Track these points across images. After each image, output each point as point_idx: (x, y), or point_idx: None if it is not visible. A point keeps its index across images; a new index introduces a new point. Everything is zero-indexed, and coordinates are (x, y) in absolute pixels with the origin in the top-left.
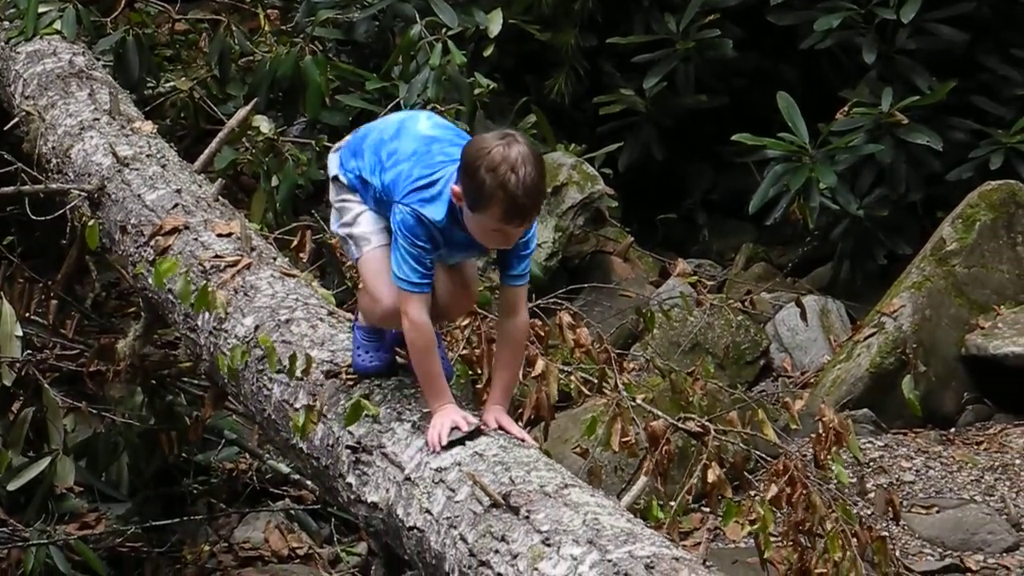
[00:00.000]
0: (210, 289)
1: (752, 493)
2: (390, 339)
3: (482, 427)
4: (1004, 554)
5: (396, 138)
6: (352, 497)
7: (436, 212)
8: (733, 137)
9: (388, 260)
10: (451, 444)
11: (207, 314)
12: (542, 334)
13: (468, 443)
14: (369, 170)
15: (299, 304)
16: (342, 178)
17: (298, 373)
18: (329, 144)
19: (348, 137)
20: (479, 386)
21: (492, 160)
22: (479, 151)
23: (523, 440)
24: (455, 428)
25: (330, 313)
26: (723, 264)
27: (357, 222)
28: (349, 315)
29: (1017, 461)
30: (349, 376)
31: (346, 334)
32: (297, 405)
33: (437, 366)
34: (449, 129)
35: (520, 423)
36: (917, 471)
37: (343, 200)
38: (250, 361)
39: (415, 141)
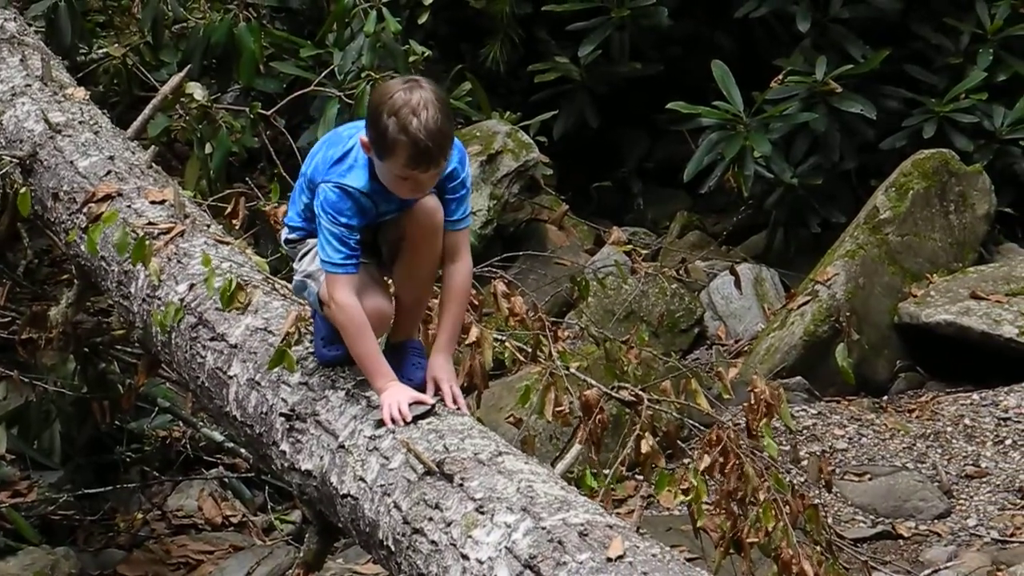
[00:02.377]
0: (144, 242)
1: (685, 462)
2: None
3: (436, 403)
4: (935, 520)
5: (310, 158)
6: (286, 465)
7: (357, 179)
8: (668, 105)
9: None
10: (416, 418)
11: (140, 281)
12: (476, 302)
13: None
14: (299, 195)
15: (233, 271)
16: (291, 236)
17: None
18: (263, 110)
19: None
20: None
21: (393, 104)
22: (382, 96)
23: (459, 408)
24: (417, 403)
25: (265, 279)
26: (658, 232)
27: (303, 260)
28: (283, 282)
29: (948, 429)
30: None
31: (280, 301)
32: (231, 372)
33: (373, 346)
34: (355, 123)
35: None
36: (850, 439)
37: (296, 251)
38: (184, 328)
39: (321, 141)
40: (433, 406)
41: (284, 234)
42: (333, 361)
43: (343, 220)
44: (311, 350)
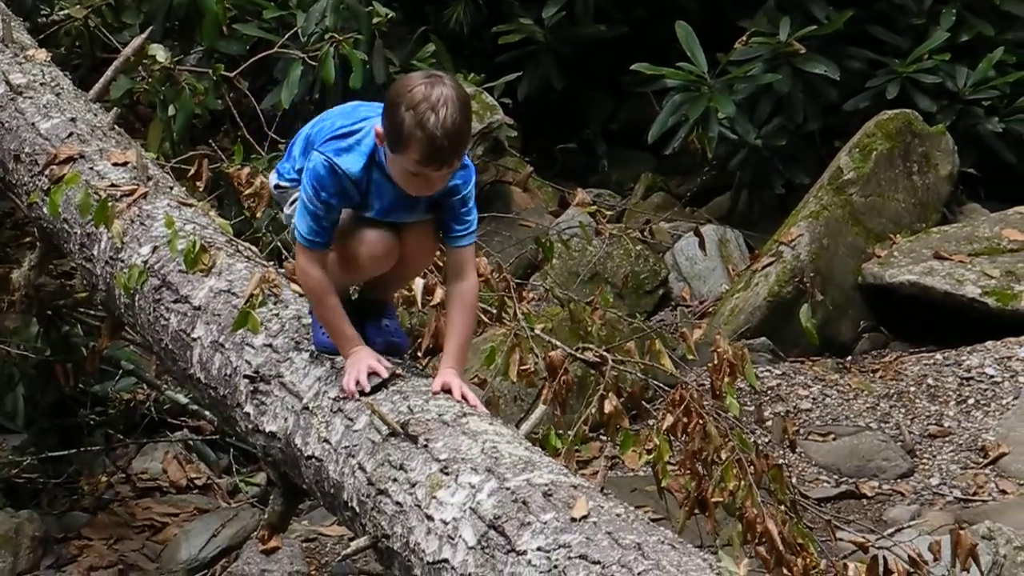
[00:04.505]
0: (107, 204)
1: (650, 423)
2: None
3: (397, 371)
4: (898, 480)
5: (320, 119)
6: (250, 427)
7: (352, 163)
8: (632, 67)
9: (347, 221)
10: (374, 389)
11: (103, 243)
12: (441, 264)
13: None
14: (300, 155)
15: (196, 233)
16: (282, 183)
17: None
18: (226, 72)
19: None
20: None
21: (413, 98)
22: (402, 88)
23: (475, 407)
24: (373, 373)
25: (228, 241)
26: (622, 194)
27: (294, 207)
28: (247, 244)
29: (912, 388)
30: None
31: (243, 263)
32: (194, 335)
33: (337, 313)
34: (376, 104)
35: (419, 352)
36: (814, 399)
37: (285, 196)
38: (147, 291)
39: (343, 107)
40: (389, 378)
41: (273, 179)
42: (333, 349)
43: (323, 196)
44: (275, 312)
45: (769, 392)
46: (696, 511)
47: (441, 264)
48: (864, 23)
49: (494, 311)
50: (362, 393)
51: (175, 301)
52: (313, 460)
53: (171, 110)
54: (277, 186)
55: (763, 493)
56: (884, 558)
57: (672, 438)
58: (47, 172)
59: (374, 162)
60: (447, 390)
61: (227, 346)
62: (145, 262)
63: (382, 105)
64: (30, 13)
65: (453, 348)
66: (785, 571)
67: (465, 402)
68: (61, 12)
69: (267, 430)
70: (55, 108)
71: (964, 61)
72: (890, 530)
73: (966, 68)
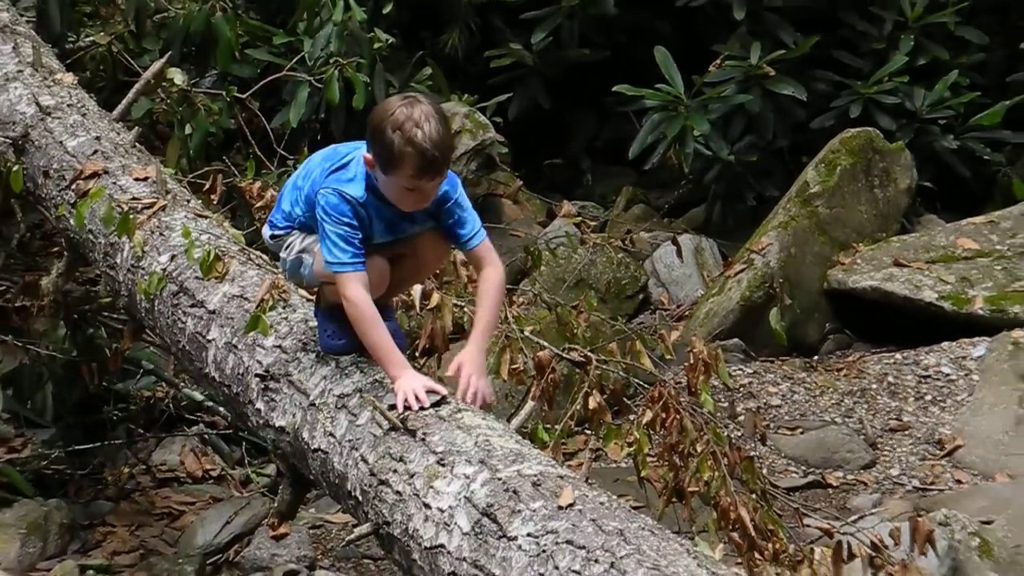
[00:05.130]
0: (128, 216)
1: (630, 418)
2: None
3: (446, 394)
4: (861, 470)
5: (305, 168)
6: (261, 422)
7: (355, 190)
8: (614, 88)
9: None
10: (433, 406)
11: (125, 252)
12: (437, 271)
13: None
14: (290, 204)
15: (211, 242)
16: (276, 232)
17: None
18: (239, 94)
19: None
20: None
21: (396, 119)
22: (383, 113)
23: (472, 392)
24: (431, 391)
25: (241, 250)
26: (605, 206)
27: (292, 244)
28: (259, 253)
29: (874, 386)
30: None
31: (255, 270)
32: (209, 336)
33: (385, 337)
34: (350, 143)
35: (416, 353)
36: (783, 396)
37: (281, 243)
38: (166, 296)
39: (318, 154)
40: (445, 396)
41: (267, 232)
42: (339, 351)
43: (346, 220)
44: (284, 316)
45: (741, 389)
46: (674, 500)
47: (438, 271)
48: (829, 48)
49: None
50: (423, 408)
51: (192, 305)
52: (319, 453)
53: (188, 129)
54: (272, 236)
55: (736, 483)
56: (848, 543)
57: (651, 432)
58: (74, 187)
59: (370, 186)
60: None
61: (240, 347)
62: (164, 269)
63: (359, 142)
64: (58, 40)
65: (480, 328)
66: (756, 555)
67: (467, 386)
68: (87, 39)
69: (277, 425)
70: (81, 128)
71: (921, 83)
72: (853, 517)
73: (923, 89)
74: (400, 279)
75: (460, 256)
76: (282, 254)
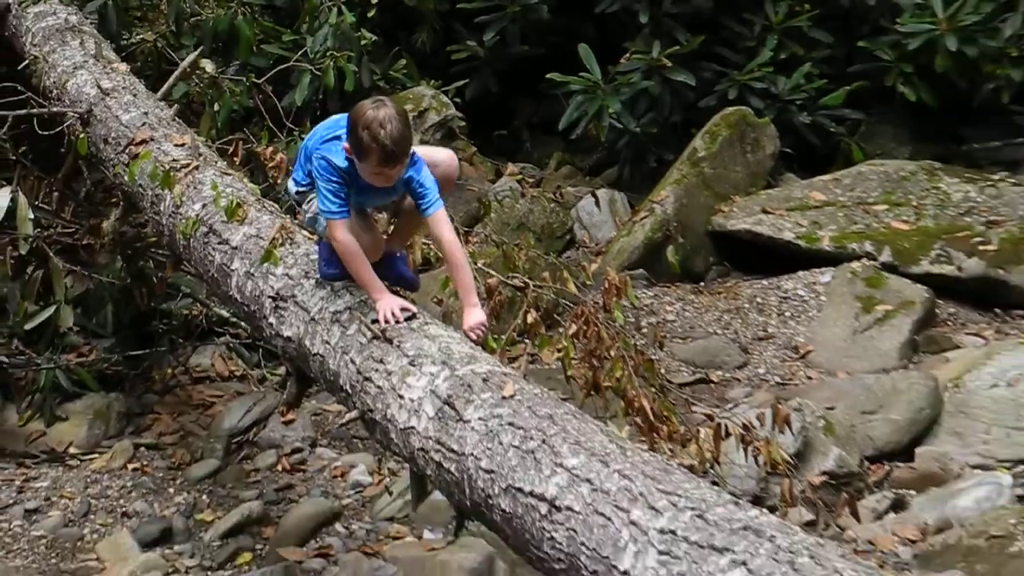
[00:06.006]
0: (169, 174)
1: (559, 330)
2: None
3: (415, 313)
4: (736, 370)
5: (312, 134)
6: (273, 333)
7: (337, 158)
8: (547, 76)
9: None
10: (407, 320)
11: (167, 202)
12: None
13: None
14: (303, 160)
15: (234, 194)
16: (299, 188)
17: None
18: (256, 80)
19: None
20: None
21: (366, 120)
22: (358, 115)
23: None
24: (404, 309)
25: (257, 200)
26: (540, 167)
27: (313, 203)
28: (271, 203)
29: (745, 305)
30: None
31: (268, 216)
32: (233, 267)
33: (366, 268)
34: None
35: None
36: (676, 313)
37: (303, 197)
38: (199, 235)
39: (323, 123)
40: (414, 313)
41: (292, 187)
42: (331, 278)
43: (334, 179)
44: (290, 251)
45: (644, 308)
46: (592, 393)
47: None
48: (712, 45)
49: None
50: (397, 322)
51: (219, 243)
52: (318, 356)
53: (216, 107)
54: (297, 192)
55: (640, 380)
56: (725, 425)
57: (575, 341)
58: (127, 151)
59: (352, 162)
60: (474, 325)
61: (256, 275)
62: (197, 215)
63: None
64: (115, 37)
65: (461, 288)
66: (655, 435)
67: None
68: (137, 36)
69: (285, 335)
70: (132, 105)
71: (782, 73)
72: (730, 405)
73: (784, 78)
74: (403, 231)
75: None
76: (304, 206)
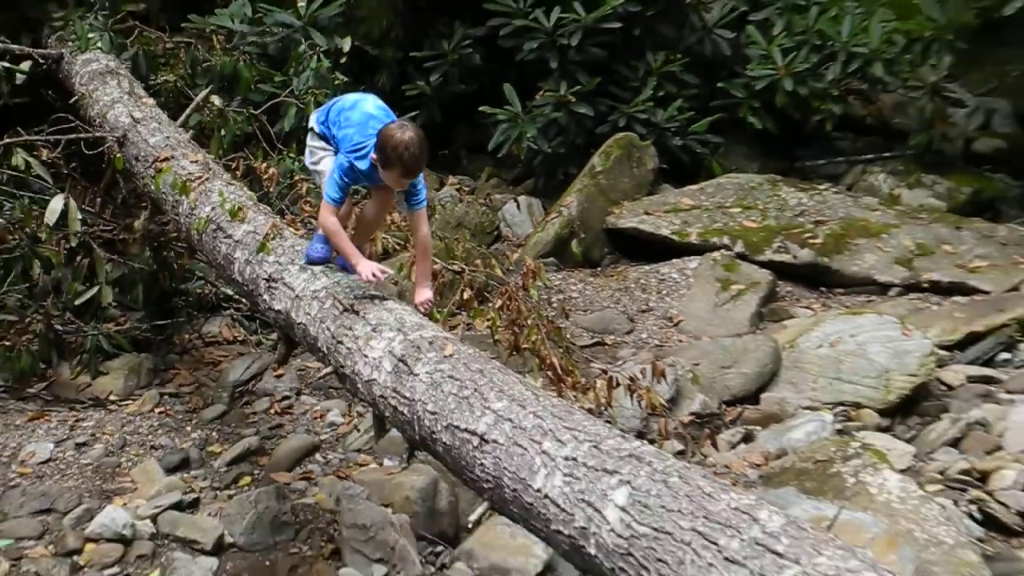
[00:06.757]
0: (186, 184)
1: (489, 305)
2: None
3: (389, 274)
4: (625, 335)
5: (351, 109)
6: (267, 307)
7: (363, 164)
8: (480, 108)
9: (327, 203)
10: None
11: (184, 205)
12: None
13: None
14: (331, 124)
15: (236, 200)
16: (317, 128)
17: (237, 220)
18: (253, 111)
19: (325, 104)
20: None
21: (395, 141)
22: (388, 134)
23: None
24: (382, 271)
25: (255, 205)
26: (474, 179)
27: (322, 163)
28: (265, 206)
29: (632, 286)
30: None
31: (263, 216)
32: (235, 256)
33: (348, 242)
34: (383, 110)
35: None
36: (579, 291)
37: (315, 146)
38: (209, 231)
39: (361, 116)
40: (390, 273)
41: (312, 119)
42: (318, 260)
43: (347, 178)
44: (280, 244)
45: (554, 287)
46: (513, 352)
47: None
48: (607, 85)
49: (402, 243)
50: (381, 277)
51: (224, 237)
52: (302, 325)
53: (222, 132)
54: (311, 129)
55: (551, 343)
56: (616, 377)
57: (501, 313)
58: (153, 166)
59: (372, 164)
60: (423, 301)
61: (253, 262)
62: (207, 216)
63: (382, 121)
64: (144, 79)
65: (421, 273)
66: (562, 385)
67: (425, 310)
68: (162, 78)
69: (276, 308)
70: (157, 131)
71: (660, 106)
72: (620, 362)
73: (661, 110)
74: (370, 223)
75: (397, 216)
76: (308, 158)
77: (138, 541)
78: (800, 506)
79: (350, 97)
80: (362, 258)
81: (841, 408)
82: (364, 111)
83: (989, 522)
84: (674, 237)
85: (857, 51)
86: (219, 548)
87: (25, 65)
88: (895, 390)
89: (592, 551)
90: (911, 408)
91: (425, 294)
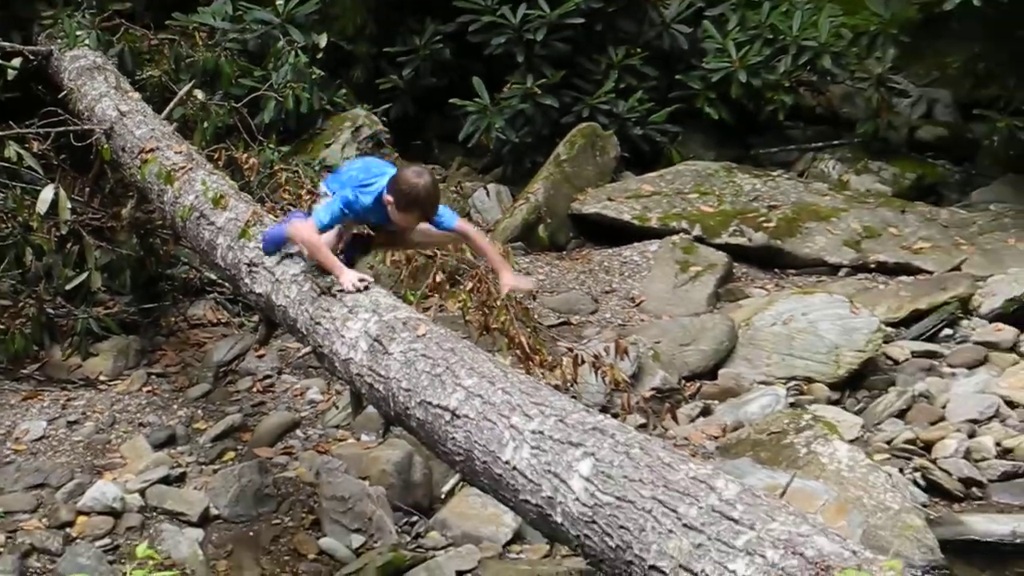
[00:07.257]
0: (170, 173)
1: (460, 287)
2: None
3: (370, 283)
4: (589, 315)
5: (350, 168)
6: (248, 291)
7: (366, 199)
8: (451, 100)
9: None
10: (365, 288)
11: (169, 194)
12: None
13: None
14: (335, 181)
15: (218, 188)
16: (326, 189)
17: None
18: (235, 105)
19: (330, 175)
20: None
21: (410, 185)
22: (405, 180)
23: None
24: (361, 279)
25: (236, 193)
26: (446, 168)
27: (319, 205)
28: (246, 195)
29: (596, 268)
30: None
31: (244, 204)
32: (218, 242)
33: (329, 254)
34: (381, 161)
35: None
36: (546, 273)
37: (324, 195)
38: (193, 219)
39: (363, 163)
40: (371, 281)
41: (322, 186)
42: (268, 250)
43: (346, 212)
44: (260, 230)
45: (522, 270)
46: (484, 332)
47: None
48: (571, 77)
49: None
50: (364, 288)
51: (208, 224)
52: (281, 307)
53: (205, 124)
54: (323, 193)
55: (519, 323)
56: (581, 355)
57: (472, 295)
58: (139, 157)
59: (376, 200)
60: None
61: (235, 248)
62: (191, 204)
63: (384, 164)
64: (130, 74)
65: (497, 262)
66: (530, 363)
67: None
68: (146, 73)
69: (257, 292)
70: (143, 123)
71: (622, 98)
72: (584, 341)
73: (623, 101)
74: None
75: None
76: (324, 193)
77: (128, 514)
78: (755, 475)
79: (346, 167)
80: (344, 269)
81: (794, 382)
82: (364, 160)
83: (933, 488)
84: (635, 222)
85: (807, 45)
86: (205, 520)
87: (16, 61)
88: (844, 365)
89: (559, 519)
90: (859, 382)
91: (509, 278)
